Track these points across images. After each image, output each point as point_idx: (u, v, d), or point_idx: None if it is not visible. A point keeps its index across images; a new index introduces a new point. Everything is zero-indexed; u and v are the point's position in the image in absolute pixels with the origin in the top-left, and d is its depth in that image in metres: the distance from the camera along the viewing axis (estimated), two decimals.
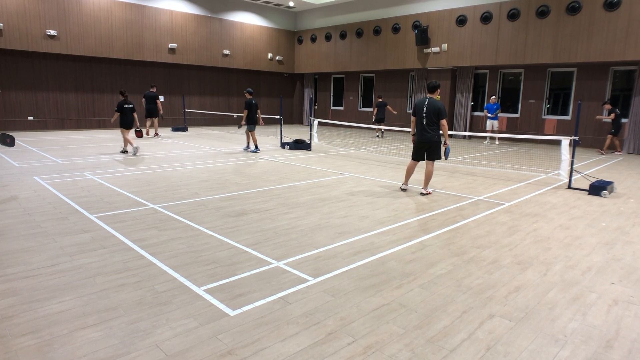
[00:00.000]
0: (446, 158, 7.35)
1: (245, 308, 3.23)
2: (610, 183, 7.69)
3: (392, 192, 7.41)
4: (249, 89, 12.21)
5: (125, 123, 11.06)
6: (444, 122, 6.89)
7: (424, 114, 6.96)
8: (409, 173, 7.50)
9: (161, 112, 16.06)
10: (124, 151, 11.40)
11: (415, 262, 4.25)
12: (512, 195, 7.36)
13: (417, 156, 7.33)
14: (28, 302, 3.26)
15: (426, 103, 6.96)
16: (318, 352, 2.71)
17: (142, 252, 4.34)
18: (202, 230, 5.07)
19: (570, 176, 8.09)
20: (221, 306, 3.25)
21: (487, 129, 16.27)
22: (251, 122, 12.08)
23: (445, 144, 7.15)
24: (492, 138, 17.17)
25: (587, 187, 7.82)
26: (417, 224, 5.54)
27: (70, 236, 4.75)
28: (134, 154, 11.11)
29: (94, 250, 4.36)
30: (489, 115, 16.12)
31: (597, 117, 14.66)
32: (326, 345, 2.79)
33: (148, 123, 15.76)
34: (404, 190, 7.49)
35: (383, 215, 5.92)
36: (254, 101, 12.10)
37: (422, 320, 3.13)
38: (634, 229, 5.60)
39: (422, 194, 7.25)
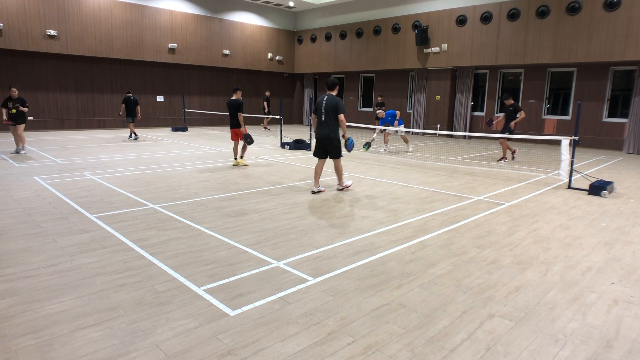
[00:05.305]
0: (349, 150, 7.40)
1: (245, 308, 3.23)
2: (610, 183, 7.69)
3: (392, 192, 7.41)
4: (128, 90, 15.17)
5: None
6: (341, 117, 6.87)
7: (323, 110, 6.94)
8: (317, 174, 7.22)
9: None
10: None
11: (415, 262, 4.25)
12: (512, 195, 7.36)
13: (318, 153, 7.20)
14: (28, 302, 3.26)
15: (325, 100, 6.95)
16: (318, 352, 2.71)
17: (142, 252, 4.34)
18: (202, 230, 5.07)
19: (570, 176, 8.09)
20: (221, 306, 3.25)
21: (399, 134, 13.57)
22: (128, 115, 14.55)
23: (344, 136, 7.23)
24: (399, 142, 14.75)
25: (587, 187, 7.82)
26: (417, 224, 5.54)
27: (70, 236, 4.75)
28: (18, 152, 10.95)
29: (94, 250, 4.36)
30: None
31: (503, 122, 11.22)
32: (326, 345, 2.79)
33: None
34: (314, 193, 7.15)
35: (383, 215, 5.92)
36: (132, 98, 14.48)
37: (422, 320, 3.13)
38: (634, 229, 5.59)
39: (338, 189, 7.41)
